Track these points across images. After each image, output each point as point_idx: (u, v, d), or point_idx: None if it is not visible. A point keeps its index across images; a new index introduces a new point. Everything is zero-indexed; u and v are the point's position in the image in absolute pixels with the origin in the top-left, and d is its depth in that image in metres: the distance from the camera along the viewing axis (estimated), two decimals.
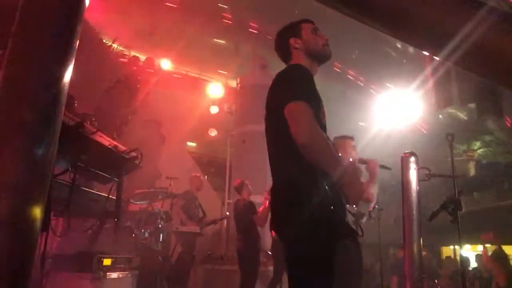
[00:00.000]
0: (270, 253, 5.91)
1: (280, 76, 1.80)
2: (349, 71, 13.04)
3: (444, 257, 11.10)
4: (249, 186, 5.18)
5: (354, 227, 3.38)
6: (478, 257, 9.37)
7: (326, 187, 1.59)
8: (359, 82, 13.17)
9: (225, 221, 6.84)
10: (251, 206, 4.99)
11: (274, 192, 1.76)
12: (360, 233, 1.66)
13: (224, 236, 7.08)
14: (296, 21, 2.00)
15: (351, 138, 3.56)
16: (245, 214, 4.97)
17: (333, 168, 1.60)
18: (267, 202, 4.67)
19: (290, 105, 1.61)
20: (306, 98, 1.63)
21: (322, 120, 1.73)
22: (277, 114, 1.67)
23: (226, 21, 12.24)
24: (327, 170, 1.60)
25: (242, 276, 4.83)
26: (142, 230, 4.30)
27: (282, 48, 1.98)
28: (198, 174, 6.52)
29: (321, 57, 1.94)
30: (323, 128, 1.73)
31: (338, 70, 12.73)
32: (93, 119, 2.94)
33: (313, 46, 1.91)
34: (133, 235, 4.20)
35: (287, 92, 1.68)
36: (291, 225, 1.63)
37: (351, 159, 3.36)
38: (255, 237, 4.88)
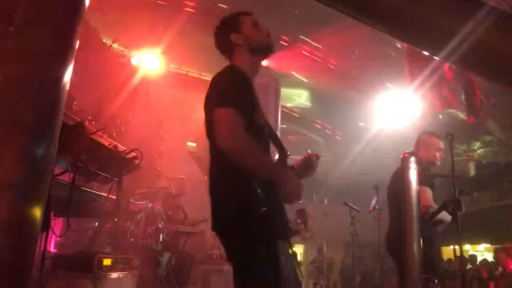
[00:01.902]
0: None
1: (214, 80, 1.77)
2: (349, 71, 13.04)
3: (443, 258, 11.09)
4: None
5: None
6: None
7: (258, 189, 1.57)
8: (359, 82, 13.18)
9: None
10: None
11: (211, 193, 1.72)
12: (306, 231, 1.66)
13: None
14: (234, 14, 1.92)
15: (438, 137, 3.33)
16: None
17: (263, 172, 1.59)
18: None
19: (216, 111, 1.62)
20: (234, 104, 1.61)
21: (257, 120, 1.72)
22: (209, 118, 1.68)
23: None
24: (257, 174, 1.59)
25: None
26: (142, 230, 4.30)
27: (223, 45, 1.90)
28: (182, 177, 6.39)
29: (265, 50, 1.88)
30: (260, 128, 1.73)
31: (335, 69, 12.73)
32: (89, 117, 2.93)
33: (255, 41, 1.84)
34: (133, 235, 4.20)
35: (217, 97, 1.68)
36: (227, 226, 1.64)
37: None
38: None
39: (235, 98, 1.64)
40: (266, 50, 1.89)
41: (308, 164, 1.91)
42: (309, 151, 1.94)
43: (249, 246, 1.57)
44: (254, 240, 1.56)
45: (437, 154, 3.28)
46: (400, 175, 3.02)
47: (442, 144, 3.33)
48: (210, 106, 1.68)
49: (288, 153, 1.85)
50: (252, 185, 1.57)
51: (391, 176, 3.39)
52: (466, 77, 6.18)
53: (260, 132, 1.72)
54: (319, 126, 18.39)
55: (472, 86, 6.40)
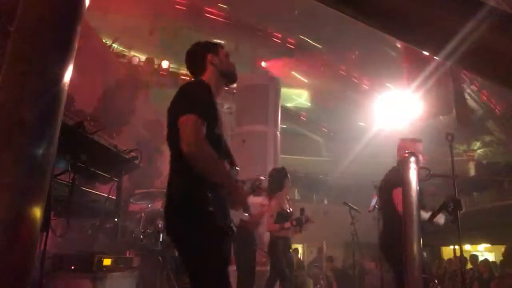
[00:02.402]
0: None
1: (182, 89, 1.96)
2: (350, 71, 13.04)
3: (443, 258, 11.10)
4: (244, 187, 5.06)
5: None
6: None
7: (209, 194, 1.75)
8: (358, 82, 13.17)
9: None
10: None
11: (167, 195, 1.90)
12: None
13: None
14: (214, 42, 2.24)
15: (416, 141, 3.51)
16: None
17: (218, 177, 1.80)
18: (266, 206, 4.63)
19: (182, 117, 1.79)
20: (199, 111, 1.79)
21: (217, 130, 1.91)
22: (174, 123, 1.84)
23: (225, 20, 12.24)
24: (212, 179, 1.78)
25: (238, 276, 4.82)
26: (142, 230, 4.30)
27: (198, 60, 2.11)
28: None
29: (230, 78, 2.16)
30: (218, 136, 1.91)
31: (342, 72, 12.71)
32: (88, 117, 2.93)
33: (226, 67, 2.12)
34: (133, 235, 4.19)
35: (184, 105, 1.86)
36: (179, 227, 1.80)
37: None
38: (246, 239, 4.79)
39: (201, 107, 1.83)
40: (231, 78, 2.17)
41: (257, 185, 2.08)
42: (260, 176, 2.16)
43: (193, 241, 1.74)
44: (198, 236, 1.73)
45: (420, 158, 3.30)
46: (395, 173, 3.06)
47: (420, 147, 3.47)
48: (176, 111, 1.86)
49: (238, 168, 2.08)
50: (204, 187, 1.75)
51: (385, 175, 3.44)
52: (458, 83, 6.17)
53: (218, 142, 1.91)
54: (319, 126, 18.42)
55: (462, 95, 6.38)
